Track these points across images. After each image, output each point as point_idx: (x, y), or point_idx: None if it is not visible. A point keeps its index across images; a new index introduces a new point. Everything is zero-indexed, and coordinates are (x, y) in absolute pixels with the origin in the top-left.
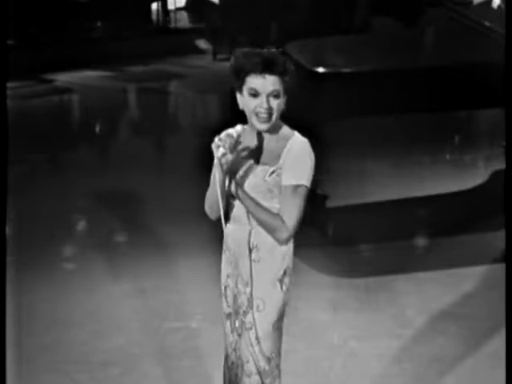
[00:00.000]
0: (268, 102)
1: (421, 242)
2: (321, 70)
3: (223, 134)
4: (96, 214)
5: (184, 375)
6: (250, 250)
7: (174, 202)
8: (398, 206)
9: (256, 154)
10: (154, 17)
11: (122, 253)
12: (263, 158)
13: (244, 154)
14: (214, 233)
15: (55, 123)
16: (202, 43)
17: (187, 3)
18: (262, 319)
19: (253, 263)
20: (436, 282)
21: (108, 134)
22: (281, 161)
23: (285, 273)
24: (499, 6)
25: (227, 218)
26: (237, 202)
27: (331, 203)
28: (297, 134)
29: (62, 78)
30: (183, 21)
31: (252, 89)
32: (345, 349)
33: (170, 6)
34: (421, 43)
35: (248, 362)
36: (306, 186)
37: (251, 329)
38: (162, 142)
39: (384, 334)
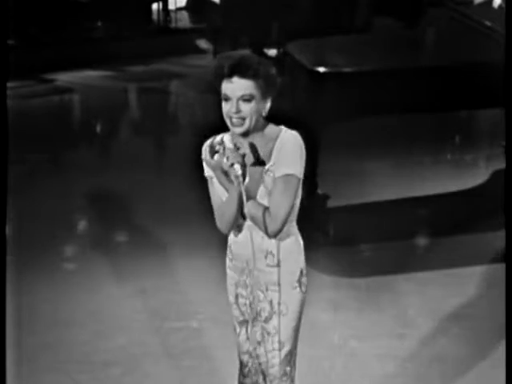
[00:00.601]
0: (237, 106)
1: (421, 242)
2: (322, 69)
3: (228, 151)
4: (97, 213)
5: (185, 375)
6: (266, 256)
7: (174, 202)
8: (399, 205)
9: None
10: (154, 17)
11: (122, 253)
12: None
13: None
14: (216, 233)
15: (56, 123)
16: (203, 43)
17: (188, 3)
18: (286, 323)
19: (269, 268)
20: (437, 282)
21: (109, 134)
22: (273, 157)
23: (301, 273)
24: (500, 6)
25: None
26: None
27: (332, 203)
28: (284, 129)
29: (63, 78)
30: (184, 21)
31: (223, 93)
32: (345, 349)
33: (171, 6)
34: (422, 43)
35: (273, 367)
36: (298, 177)
37: (275, 334)
38: (162, 141)
39: (385, 334)
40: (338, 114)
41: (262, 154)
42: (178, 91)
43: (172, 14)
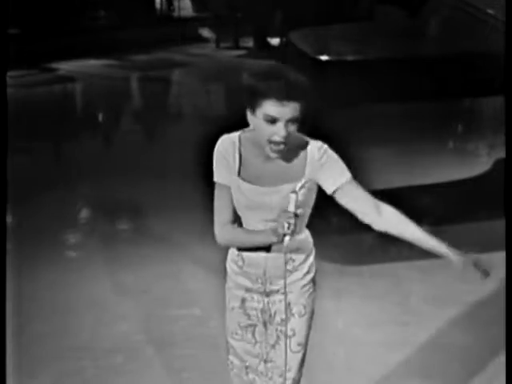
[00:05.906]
0: (286, 128)
1: (424, 229)
2: (324, 57)
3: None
4: (99, 202)
5: (187, 363)
6: (286, 262)
7: (177, 191)
8: (402, 193)
9: (273, 173)
10: (157, 5)
11: (124, 241)
12: (286, 175)
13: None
14: None
15: (58, 112)
16: (206, 32)
17: None
18: (304, 324)
19: (289, 273)
20: (440, 269)
21: (111, 123)
22: (307, 173)
23: (315, 272)
24: None
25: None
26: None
27: None
28: (312, 141)
29: (66, 67)
30: (187, 9)
31: (269, 116)
32: (349, 336)
33: None
34: (425, 31)
35: (290, 370)
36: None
37: (293, 336)
38: (164, 130)
39: (389, 321)
40: (340, 102)
41: (292, 167)
42: (181, 80)
43: (175, 3)
